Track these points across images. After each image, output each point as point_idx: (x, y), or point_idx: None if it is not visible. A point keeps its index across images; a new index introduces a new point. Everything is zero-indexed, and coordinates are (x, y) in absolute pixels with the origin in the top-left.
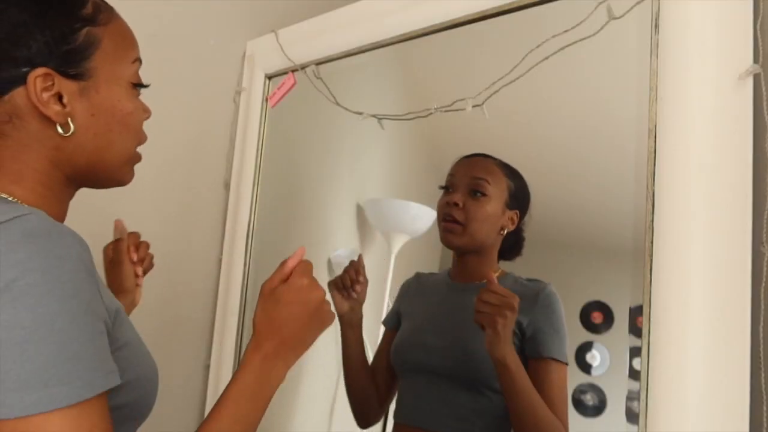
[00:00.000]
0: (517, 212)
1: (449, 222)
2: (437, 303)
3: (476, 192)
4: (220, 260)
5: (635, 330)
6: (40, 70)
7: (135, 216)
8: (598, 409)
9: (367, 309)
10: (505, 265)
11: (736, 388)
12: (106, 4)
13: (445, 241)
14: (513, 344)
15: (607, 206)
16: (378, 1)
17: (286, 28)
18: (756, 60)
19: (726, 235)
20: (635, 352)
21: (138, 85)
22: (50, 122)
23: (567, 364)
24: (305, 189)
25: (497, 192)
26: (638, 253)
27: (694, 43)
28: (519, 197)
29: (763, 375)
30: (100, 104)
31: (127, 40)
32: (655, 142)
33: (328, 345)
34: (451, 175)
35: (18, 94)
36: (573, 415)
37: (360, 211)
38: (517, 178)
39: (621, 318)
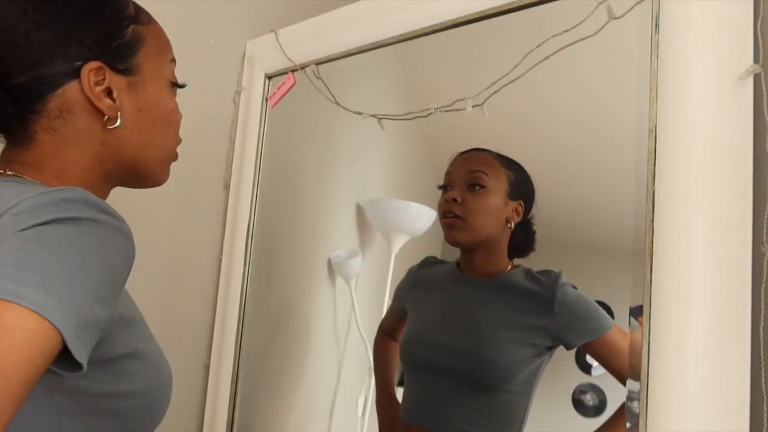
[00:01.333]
0: (521, 203)
1: (449, 218)
2: (448, 299)
3: (474, 185)
4: (220, 260)
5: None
6: (93, 64)
7: (135, 216)
8: (598, 409)
9: (367, 309)
10: (517, 261)
11: (736, 388)
12: (142, 7)
13: (449, 239)
14: (531, 345)
15: (607, 206)
16: (378, 1)
17: (286, 28)
18: (756, 60)
19: (726, 235)
20: None
21: (175, 85)
22: (99, 117)
23: (613, 327)
24: (305, 189)
25: (496, 183)
26: (638, 253)
27: (694, 43)
28: (521, 187)
29: (763, 375)
30: (146, 100)
31: (165, 40)
32: (655, 142)
33: (328, 345)
34: (448, 173)
35: (71, 88)
36: (573, 415)
37: (360, 211)
38: (517, 168)
39: (621, 318)
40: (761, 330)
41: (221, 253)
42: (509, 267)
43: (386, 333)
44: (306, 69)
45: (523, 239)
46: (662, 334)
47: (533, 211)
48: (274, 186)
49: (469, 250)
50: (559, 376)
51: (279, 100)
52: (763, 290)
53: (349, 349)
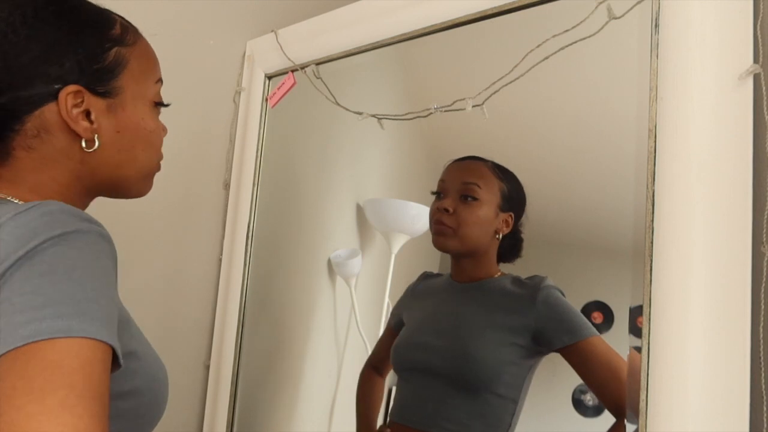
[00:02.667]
0: (512, 215)
1: (440, 226)
2: (438, 304)
3: (467, 197)
4: (220, 260)
5: (635, 330)
6: (72, 87)
7: (135, 216)
8: (598, 409)
9: (367, 309)
10: (506, 267)
11: (736, 388)
12: (132, 25)
13: (437, 244)
14: (515, 346)
15: (607, 206)
16: (378, 1)
17: (285, 28)
18: (756, 60)
19: (726, 235)
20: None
21: (159, 104)
22: (77, 138)
23: (594, 335)
24: (305, 189)
25: (489, 196)
26: (638, 253)
27: (694, 43)
28: (513, 199)
29: (763, 375)
30: (126, 121)
31: (151, 61)
32: (655, 142)
33: (328, 345)
34: (442, 180)
35: (49, 110)
36: (573, 415)
37: (360, 211)
38: (511, 179)
39: (621, 318)
40: (761, 330)
41: (221, 254)
42: (498, 273)
43: (374, 367)
44: (306, 69)
45: (510, 247)
46: (662, 334)
47: (522, 219)
48: (274, 186)
49: (457, 256)
50: (559, 376)
51: (279, 100)
52: (763, 290)
53: (349, 349)
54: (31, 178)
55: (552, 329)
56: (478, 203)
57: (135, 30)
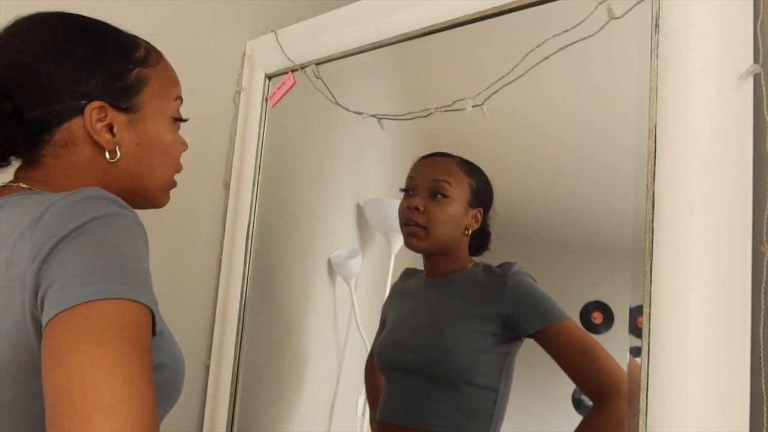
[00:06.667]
0: (481, 210)
1: (411, 227)
2: (413, 301)
3: (437, 194)
4: (220, 260)
5: (635, 330)
6: (96, 103)
7: None
8: None
9: (367, 309)
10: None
11: (736, 388)
12: (155, 48)
13: (410, 246)
14: (487, 334)
15: (607, 206)
16: (378, 1)
17: (285, 28)
18: (756, 60)
19: (726, 235)
20: (635, 352)
21: (178, 120)
22: (101, 149)
23: (567, 319)
24: (305, 189)
25: (458, 192)
26: (638, 253)
27: (694, 43)
28: (481, 194)
29: (763, 375)
30: (145, 135)
31: (171, 80)
32: (655, 142)
33: (328, 345)
34: (411, 177)
35: (75, 123)
36: (573, 415)
37: (360, 211)
38: (479, 175)
39: (621, 318)
40: (761, 330)
41: (221, 254)
42: (470, 265)
43: (372, 363)
44: (306, 69)
45: (478, 242)
46: (662, 334)
47: (491, 213)
48: (274, 186)
49: (429, 255)
50: (559, 376)
51: (279, 100)
52: (763, 290)
53: (349, 349)
54: (62, 182)
55: (522, 315)
56: (448, 200)
57: (158, 53)
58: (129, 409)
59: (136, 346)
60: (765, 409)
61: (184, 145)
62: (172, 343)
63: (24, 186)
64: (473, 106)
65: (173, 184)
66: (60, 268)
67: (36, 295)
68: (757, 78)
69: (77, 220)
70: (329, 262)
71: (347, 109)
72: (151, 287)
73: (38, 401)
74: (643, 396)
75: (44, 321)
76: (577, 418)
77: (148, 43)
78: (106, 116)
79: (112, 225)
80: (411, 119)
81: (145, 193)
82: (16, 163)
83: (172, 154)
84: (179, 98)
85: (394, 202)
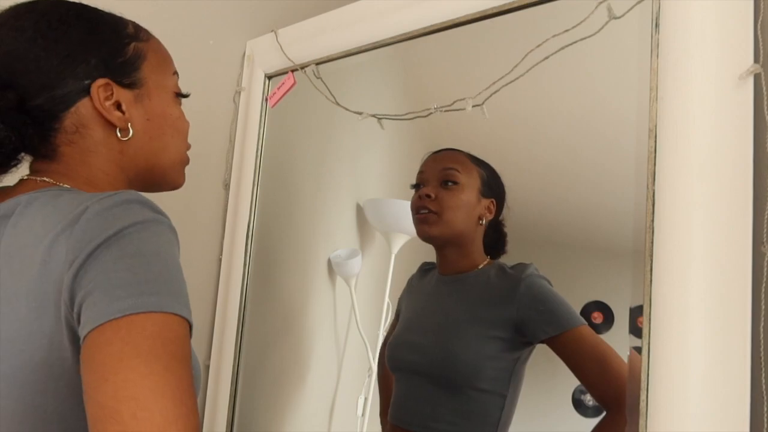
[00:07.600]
0: (493, 201)
1: (423, 213)
2: (425, 299)
3: (447, 182)
4: (220, 260)
5: (635, 330)
6: (101, 81)
7: None
8: (598, 409)
9: (367, 309)
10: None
11: (736, 388)
12: (141, 26)
13: (421, 234)
14: (496, 339)
15: (607, 206)
16: (378, 1)
17: (285, 28)
18: (756, 60)
19: (726, 235)
20: (636, 352)
21: (179, 95)
22: (112, 129)
23: (582, 325)
24: (305, 189)
25: (469, 180)
26: (638, 253)
27: (694, 43)
28: (492, 185)
29: (763, 375)
30: (153, 110)
31: (165, 54)
32: (655, 142)
33: (328, 345)
34: (421, 171)
35: (83, 105)
36: (573, 415)
37: (360, 211)
38: (487, 167)
39: (621, 318)
40: (761, 330)
41: (221, 253)
42: (483, 263)
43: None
44: (306, 69)
45: (494, 240)
46: (662, 334)
47: (504, 212)
48: (274, 186)
49: (442, 246)
50: (559, 376)
51: (279, 100)
52: (763, 290)
53: (349, 349)
54: (83, 172)
55: (535, 320)
56: (459, 187)
57: (145, 29)
58: (180, 431)
59: (181, 362)
60: (765, 409)
61: (187, 122)
62: (194, 352)
63: (48, 180)
64: (473, 106)
65: (187, 161)
66: (99, 276)
67: (72, 302)
68: (757, 78)
69: (114, 225)
70: (329, 262)
71: (347, 109)
72: (188, 298)
73: (66, 405)
74: (643, 396)
75: (84, 331)
76: (577, 418)
77: (132, 21)
78: (112, 94)
79: (150, 231)
80: (411, 119)
81: (162, 172)
82: (26, 162)
83: (181, 127)
84: (176, 73)
85: (394, 202)
